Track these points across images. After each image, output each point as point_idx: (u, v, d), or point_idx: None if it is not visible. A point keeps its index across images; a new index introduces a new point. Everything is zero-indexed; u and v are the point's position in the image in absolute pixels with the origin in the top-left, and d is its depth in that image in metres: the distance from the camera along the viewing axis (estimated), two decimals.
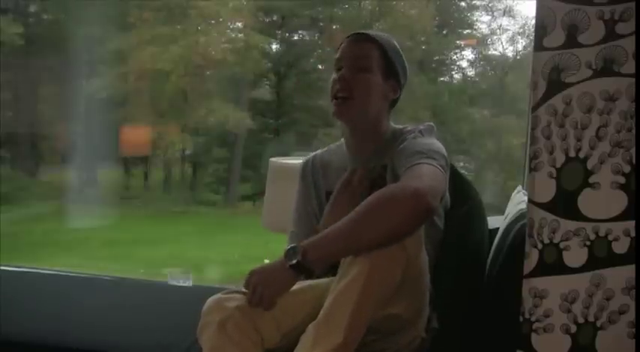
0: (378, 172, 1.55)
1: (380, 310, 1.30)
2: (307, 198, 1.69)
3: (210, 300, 1.41)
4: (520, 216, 1.57)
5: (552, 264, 1.22)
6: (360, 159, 1.61)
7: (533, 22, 1.27)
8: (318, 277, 1.43)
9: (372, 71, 1.55)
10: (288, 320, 1.39)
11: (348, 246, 1.29)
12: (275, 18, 9.03)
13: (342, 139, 1.69)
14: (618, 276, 1.22)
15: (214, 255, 6.95)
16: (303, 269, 1.32)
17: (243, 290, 1.43)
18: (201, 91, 8.32)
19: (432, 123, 1.62)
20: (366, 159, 1.59)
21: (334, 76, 1.57)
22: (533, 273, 1.23)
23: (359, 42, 1.57)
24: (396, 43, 1.63)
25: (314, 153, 1.75)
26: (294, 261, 1.31)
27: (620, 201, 1.21)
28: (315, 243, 1.32)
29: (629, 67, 1.19)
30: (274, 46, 9.16)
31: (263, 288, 1.35)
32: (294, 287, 1.39)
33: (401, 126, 1.63)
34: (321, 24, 8.87)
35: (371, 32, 1.60)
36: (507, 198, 1.98)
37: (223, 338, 1.34)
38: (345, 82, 1.53)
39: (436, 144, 1.52)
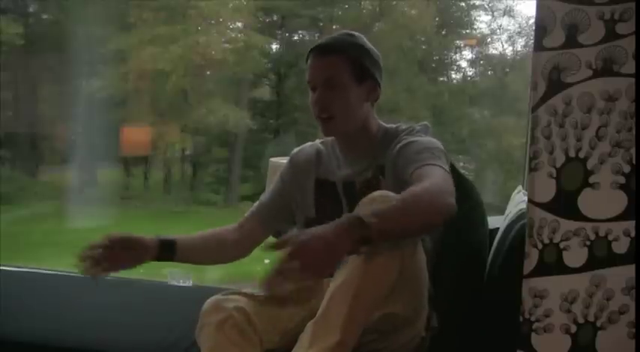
0: (372, 173, 1.55)
1: (377, 309, 1.30)
2: (290, 182, 1.67)
3: (208, 301, 1.41)
4: (520, 216, 1.57)
5: (552, 264, 1.22)
6: (353, 159, 1.61)
7: (533, 21, 1.27)
8: None
9: (345, 83, 1.52)
10: (287, 321, 1.39)
11: (402, 229, 1.24)
12: (275, 18, 9.03)
13: None
14: (618, 276, 1.22)
15: None
16: (363, 244, 1.19)
17: (243, 290, 1.44)
18: (201, 91, 8.32)
19: (427, 123, 1.62)
20: (359, 159, 1.59)
21: (311, 95, 1.56)
22: (533, 273, 1.23)
23: (324, 58, 1.54)
24: (360, 41, 1.58)
25: (309, 143, 1.74)
26: (365, 235, 1.18)
27: (620, 201, 1.21)
28: (381, 219, 1.19)
29: (629, 67, 1.19)
30: (274, 46, 9.17)
31: (328, 249, 1.16)
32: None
33: (394, 125, 1.62)
34: (321, 24, 8.87)
35: (332, 41, 1.56)
36: (507, 198, 1.98)
37: (222, 339, 1.34)
38: (322, 103, 1.53)
39: (437, 143, 1.52)
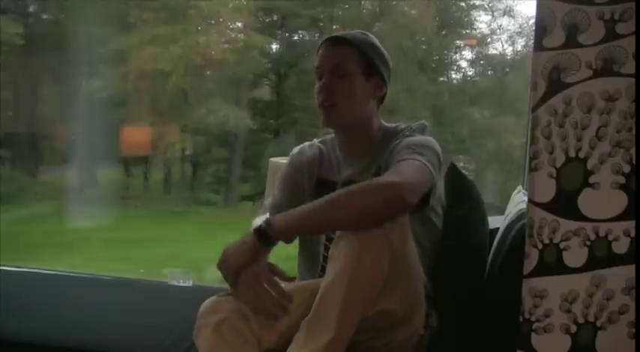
0: (374, 173, 1.55)
1: (371, 305, 1.30)
2: (296, 180, 1.67)
3: (206, 302, 1.41)
4: (520, 216, 1.57)
5: (552, 264, 1.22)
6: (352, 156, 1.61)
7: (533, 22, 1.27)
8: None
9: (353, 75, 1.54)
10: (284, 321, 1.38)
11: (316, 221, 1.32)
12: (275, 18, 9.03)
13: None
14: (618, 276, 1.22)
15: (214, 255, 6.93)
16: (267, 238, 1.32)
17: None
18: (201, 91, 8.32)
19: (424, 122, 1.62)
20: (359, 159, 1.59)
21: (317, 85, 1.57)
22: (533, 273, 1.23)
23: (335, 47, 1.57)
24: (373, 40, 1.61)
25: (307, 143, 1.74)
26: (259, 226, 1.32)
27: (620, 201, 1.21)
28: (284, 215, 1.34)
29: (629, 67, 1.19)
30: (274, 46, 9.17)
31: (226, 259, 1.35)
32: (290, 287, 1.39)
33: (393, 125, 1.63)
34: (321, 24, 8.87)
35: (345, 34, 1.59)
36: (507, 198, 1.98)
37: (219, 340, 1.34)
38: (327, 90, 1.54)
39: (427, 140, 1.52)
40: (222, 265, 1.36)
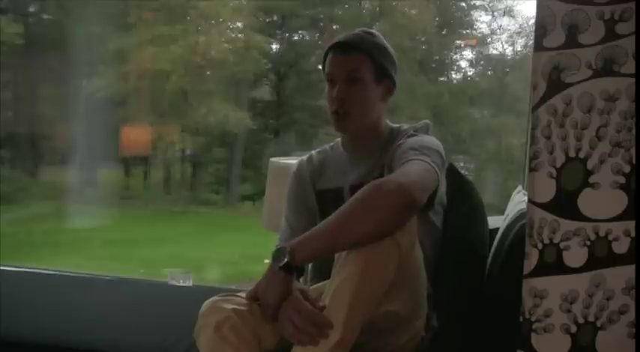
0: (379, 174, 1.55)
1: (376, 307, 1.30)
2: (304, 197, 1.68)
3: (207, 302, 1.41)
4: (520, 216, 1.57)
5: (552, 264, 1.22)
6: (358, 158, 1.61)
7: (533, 22, 1.27)
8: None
9: (364, 81, 1.55)
10: None
11: (335, 243, 1.30)
12: (275, 18, 9.03)
13: (337, 139, 1.69)
14: (618, 276, 1.22)
15: (214, 255, 6.96)
16: (292, 269, 1.32)
17: (242, 291, 1.44)
18: (201, 91, 8.32)
19: (427, 121, 1.63)
20: (366, 159, 1.60)
21: (328, 89, 1.57)
22: (533, 273, 1.23)
23: (346, 55, 1.56)
24: (380, 40, 1.60)
25: (304, 157, 1.75)
26: (284, 262, 1.31)
27: (620, 201, 1.21)
28: (302, 242, 1.32)
29: (629, 67, 1.19)
30: (274, 46, 9.17)
31: (263, 297, 1.35)
32: None
33: (398, 125, 1.63)
34: (321, 24, 8.87)
35: (354, 39, 1.58)
36: (507, 198, 1.98)
37: (220, 341, 1.34)
38: (340, 98, 1.54)
39: (431, 141, 1.52)
40: (263, 296, 1.35)
